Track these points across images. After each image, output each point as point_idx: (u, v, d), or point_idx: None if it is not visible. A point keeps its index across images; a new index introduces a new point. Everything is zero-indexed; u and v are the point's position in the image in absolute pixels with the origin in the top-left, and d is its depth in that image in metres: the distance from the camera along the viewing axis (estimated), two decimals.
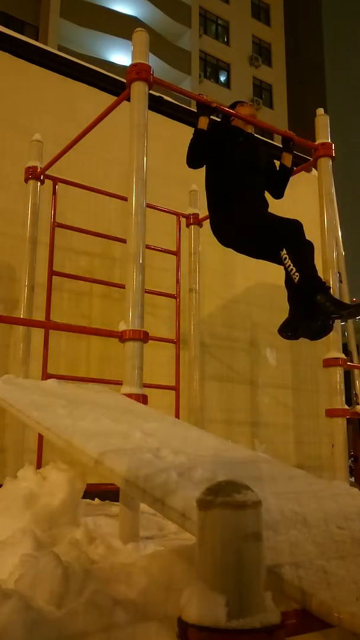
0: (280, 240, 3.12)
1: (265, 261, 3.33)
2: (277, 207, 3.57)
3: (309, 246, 3.15)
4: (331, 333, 3.49)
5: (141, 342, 2.69)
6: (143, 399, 2.63)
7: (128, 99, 3.00)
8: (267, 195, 3.60)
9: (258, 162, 3.49)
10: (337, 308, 2.98)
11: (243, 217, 3.27)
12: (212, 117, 3.41)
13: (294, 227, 3.14)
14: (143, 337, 2.69)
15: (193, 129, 3.39)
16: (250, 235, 3.27)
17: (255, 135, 3.65)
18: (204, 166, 3.46)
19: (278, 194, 3.67)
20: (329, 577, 1.09)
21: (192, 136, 3.36)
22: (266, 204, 3.46)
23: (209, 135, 3.35)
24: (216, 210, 3.39)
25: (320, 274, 3.68)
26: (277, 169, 3.66)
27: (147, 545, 1.99)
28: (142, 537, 2.17)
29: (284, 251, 3.08)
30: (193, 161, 3.35)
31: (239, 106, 3.60)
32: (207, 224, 4.38)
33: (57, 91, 4.80)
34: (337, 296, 3.59)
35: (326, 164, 3.75)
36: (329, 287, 3.12)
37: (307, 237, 3.19)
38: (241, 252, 3.41)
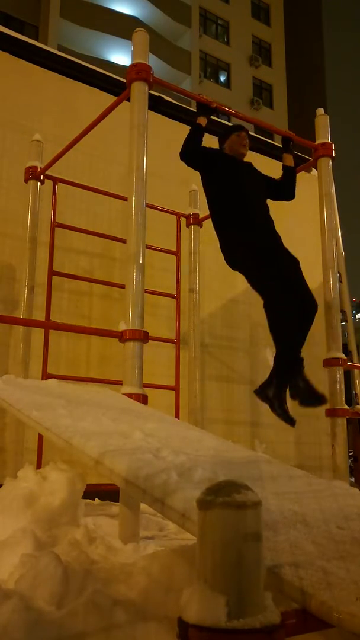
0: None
1: None
2: (277, 207, 3.57)
3: (304, 334, 3.20)
4: (331, 333, 3.49)
5: (141, 342, 2.69)
6: (143, 399, 2.63)
7: (128, 99, 3.00)
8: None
9: (256, 186, 3.44)
10: (300, 397, 3.08)
11: (255, 260, 3.23)
12: (210, 121, 3.40)
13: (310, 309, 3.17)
14: (143, 337, 2.69)
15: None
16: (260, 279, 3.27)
17: (249, 162, 3.54)
18: (207, 197, 3.41)
19: (289, 195, 3.61)
20: (329, 577, 1.09)
21: (189, 131, 3.34)
22: (270, 222, 3.39)
23: (205, 160, 3.33)
24: (227, 242, 3.33)
25: (319, 273, 3.69)
26: (279, 176, 3.63)
27: (147, 545, 1.99)
28: (142, 537, 2.17)
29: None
30: (187, 151, 3.28)
31: (235, 136, 3.46)
32: (206, 223, 4.38)
33: (57, 91, 4.80)
34: (336, 296, 3.60)
35: (326, 164, 3.75)
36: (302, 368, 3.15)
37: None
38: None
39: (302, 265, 3.20)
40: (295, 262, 3.27)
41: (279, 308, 3.15)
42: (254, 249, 3.21)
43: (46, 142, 4.09)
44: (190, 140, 3.30)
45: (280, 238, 3.33)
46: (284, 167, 3.62)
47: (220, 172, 3.36)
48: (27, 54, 4.73)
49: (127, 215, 2.85)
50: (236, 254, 3.29)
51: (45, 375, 3.59)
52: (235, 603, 0.86)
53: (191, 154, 3.30)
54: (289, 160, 3.64)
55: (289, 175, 3.61)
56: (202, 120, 3.33)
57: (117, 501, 2.31)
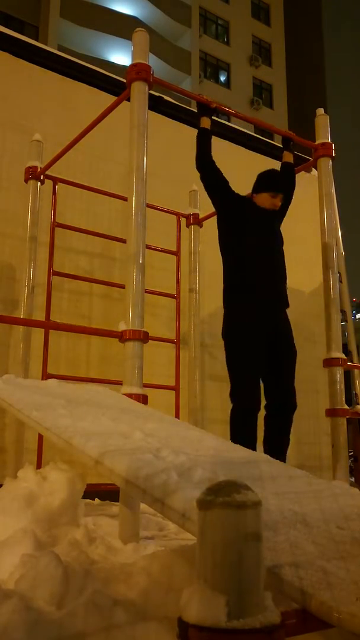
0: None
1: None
2: None
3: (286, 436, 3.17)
4: (331, 333, 3.49)
5: (141, 342, 2.69)
6: (143, 399, 2.63)
7: (128, 99, 3.00)
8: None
9: (273, 228, 3.40)
10: None
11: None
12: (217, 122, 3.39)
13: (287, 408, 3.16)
14: (143, 337, 2.69)
15: (193, 129, 3.38)
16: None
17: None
18: (220, 239, 3.38)
19: (289, 189, 3.55)
20: (329, 577, 1.09)
21: (196, 137, 3.32)
22: (284, 288, 3.35)
23: (231, 206, 3.29)
24: (232, 303, 3.27)
25: (319, 273, 3.68)
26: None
27: (147, 545, 1.99)
28: (142, 537, 2.17)
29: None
30: (200, 160, 3.27)
31: (269, 195, 3.32)
32: (206, 224, 4.38)
33: (57, 91, 4.80)
34: (336, 296, 3.59)
35: (326, 164, 3.75)
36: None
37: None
38: None
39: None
40: (293, 352, 3.23)
41: (244, 402, 3.04)
42: (255, 321, 3.13)
43: (46, 142, 4.09)
44: (200, 148, 3.27)
45: (288, 321, 3.27)
46: (283, 164, 3.63)
47: (241, 220, 3.29)
48: (27, 54, 4.73)
49: (127, 215, 2.85)
50: (235, 321, 3.20)
51: (45, 375, 3.59)
52: (235, 603, 0.86)
53: (206, 164, 3.25)
54: (289, 157, 3.65)
55: (289, 173, 3.60)
56: (206, 123, 3.32)
57: (117, 501, 2.31)
